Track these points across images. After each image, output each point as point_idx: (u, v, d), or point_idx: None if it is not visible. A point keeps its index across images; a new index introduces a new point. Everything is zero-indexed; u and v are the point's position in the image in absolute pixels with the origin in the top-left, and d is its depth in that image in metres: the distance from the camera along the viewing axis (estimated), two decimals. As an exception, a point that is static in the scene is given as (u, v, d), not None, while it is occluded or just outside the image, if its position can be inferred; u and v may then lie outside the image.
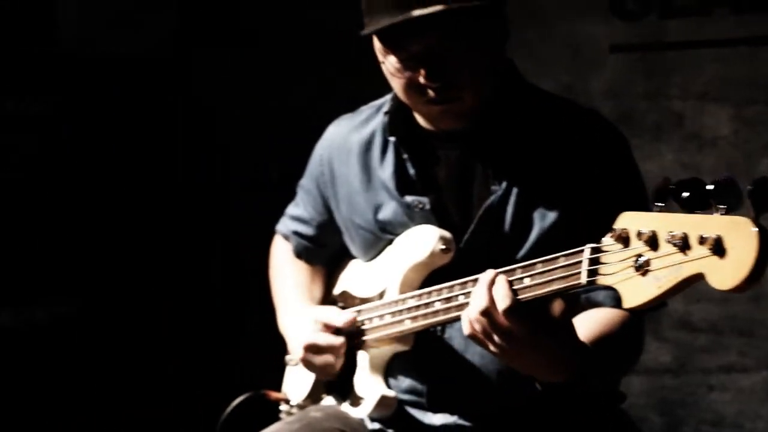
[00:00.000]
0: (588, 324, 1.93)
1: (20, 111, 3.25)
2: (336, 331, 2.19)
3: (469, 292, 1.86)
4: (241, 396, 2.42)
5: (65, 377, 3.47)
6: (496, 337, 1.77)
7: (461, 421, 2.09)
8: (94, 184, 3.50)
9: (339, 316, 2.19)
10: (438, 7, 1.91)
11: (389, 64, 2.01)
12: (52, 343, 3.49)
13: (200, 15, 4.06)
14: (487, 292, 1.77)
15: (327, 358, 2.17)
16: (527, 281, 1.76)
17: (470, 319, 1.79)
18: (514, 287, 1.76)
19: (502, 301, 1.75)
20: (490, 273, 1.80)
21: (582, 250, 1.68)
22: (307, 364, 2.21)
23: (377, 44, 2.03)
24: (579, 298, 2.00)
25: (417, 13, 1.91)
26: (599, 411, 2.10)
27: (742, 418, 3.50)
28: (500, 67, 2.08)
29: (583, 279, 1.67)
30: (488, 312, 1.76)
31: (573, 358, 1.81)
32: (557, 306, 1.79)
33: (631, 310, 1.59)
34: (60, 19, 3.58)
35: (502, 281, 1.77)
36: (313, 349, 2.19)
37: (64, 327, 3.53)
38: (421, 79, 1.98)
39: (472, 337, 1.80)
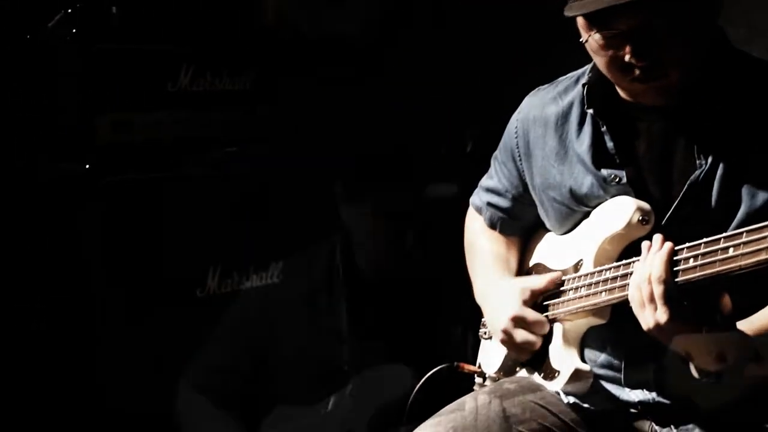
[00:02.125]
0: None
1: (222, 87, 3.34)
2: (535, 305, 2.18)
3: None
4: (436, 368, 2.44)
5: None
6: (648, 309, 1.82)
7: (660, 399, 2.03)
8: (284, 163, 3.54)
9: (543, 279, 2.19)
10: None
11: (593, 40, 1.97)
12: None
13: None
14: (649, 259, 1.84)
15: (529, 336, 2.16)
16: (731, 251, 1.72)
17: (633, 286, 1.87)
18: (679, 267, 1.80)
19: (658, 269, 1.81)
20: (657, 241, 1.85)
21: None
22: (508, 337, 2.19)
23: (580, 21, 1.98)
24: None
25: None
26: None
27: None
28: (708, 41, 2.00)
29: None
30: (648, 280, 1.82)
31: (728, 352, 1.79)
32: (725, 304, 1.79)
33: None
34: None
35: (665, 251, 1.82)
36: (519, 322, 2.17)
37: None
38: (627, 57, 1.93)
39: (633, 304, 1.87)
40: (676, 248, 1.82)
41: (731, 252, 1.71)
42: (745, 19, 3.42)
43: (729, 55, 2.04)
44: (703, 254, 1.77)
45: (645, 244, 1.89)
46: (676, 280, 1.80)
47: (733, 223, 1.92)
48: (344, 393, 3.52)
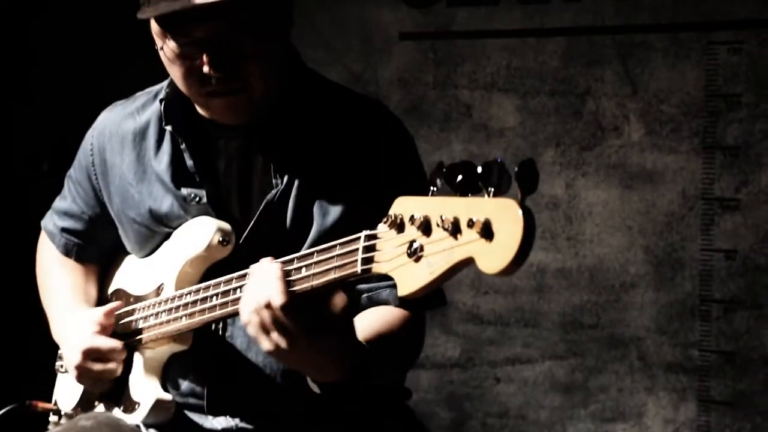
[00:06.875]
0: (368, 322, 1.88)
1: None
2: (114, 333, 2.06)
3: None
4: (4, 408, 2.24)
5: None
6: (272, 333, 1.68)
7: (243, 424, 2.00)
8: None
9: (97, 314, 2.06)
10: None
11: (168, 49, 1.88)
12: None
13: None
14: (261, 284, 1.69)
15: (105, 366, 2.04)
16: (304, 271, 1.67)
17: (246, 313, 1.70)
18: (292, 278, 1.68)
19: (278, 296, 1.66)
20: (265, 263, 1.71)
21: (358, 238, 1.59)
22: (84, 371, 2.05)
23: (155, 27, 1.89)
24: (361, 297, 1.94)
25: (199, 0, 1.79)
26: (384, 408, 2.04)
27: (526, 408, 3.55)
28: (286, 58, 1.99)
29: (359, 268, 1.58)
30: (265, 306, 1.67)
31: (349, 358, 1.74)
32: (338, 303, 1.72)
33: (406, 299, 1.50)
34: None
35: (276, 274, 1.68)
36: (92, 354, 2.04)
37: None
38: (205, 68, 1.86)
39: (251, 330, 1.70)
40: (247, 270, 1.76)
41: (303, 272, 1.67)
42: (320, 40, 3.52)
43: (305, 76, 2.04)
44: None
45: (255, 268, 1.75)
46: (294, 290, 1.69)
47: (307, 242, 1.91)
48: None
